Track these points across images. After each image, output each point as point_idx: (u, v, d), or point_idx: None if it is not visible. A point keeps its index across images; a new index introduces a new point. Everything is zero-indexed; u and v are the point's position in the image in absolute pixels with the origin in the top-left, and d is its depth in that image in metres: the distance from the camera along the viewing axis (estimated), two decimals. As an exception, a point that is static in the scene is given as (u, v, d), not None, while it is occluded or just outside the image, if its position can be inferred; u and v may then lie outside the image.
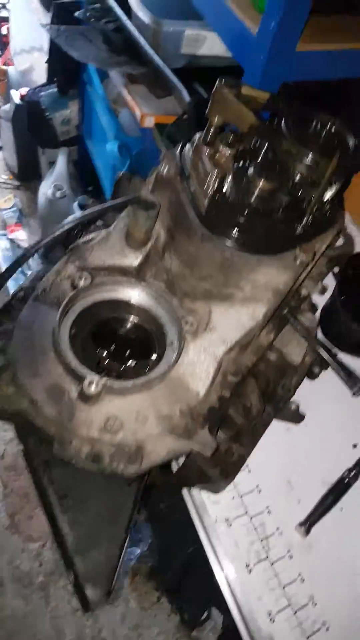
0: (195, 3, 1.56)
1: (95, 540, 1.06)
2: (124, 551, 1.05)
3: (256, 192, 0.91)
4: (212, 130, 0.97)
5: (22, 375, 0.96)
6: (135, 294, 1.09)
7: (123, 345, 1.15)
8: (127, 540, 1.05)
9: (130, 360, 1.12)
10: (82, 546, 1.05)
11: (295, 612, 1.11)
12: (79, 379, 0.95)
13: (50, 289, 1.06)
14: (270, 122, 0.97)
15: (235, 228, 0.92)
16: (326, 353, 1.34)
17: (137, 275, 1.08)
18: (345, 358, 1.43)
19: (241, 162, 0.96)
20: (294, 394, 1.28)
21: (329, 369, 1.31)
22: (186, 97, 1.70)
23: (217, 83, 0.95)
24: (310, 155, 0.91)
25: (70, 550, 1.05)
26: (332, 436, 1.39)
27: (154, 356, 1.08)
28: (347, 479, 1.29)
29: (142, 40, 2.03)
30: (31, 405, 0.94)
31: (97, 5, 2.63)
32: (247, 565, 1.15)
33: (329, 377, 1.38)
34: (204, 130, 1.00)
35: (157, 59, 1.91)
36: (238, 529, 1.20)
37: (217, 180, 0.94)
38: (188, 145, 1.04)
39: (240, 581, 1.13)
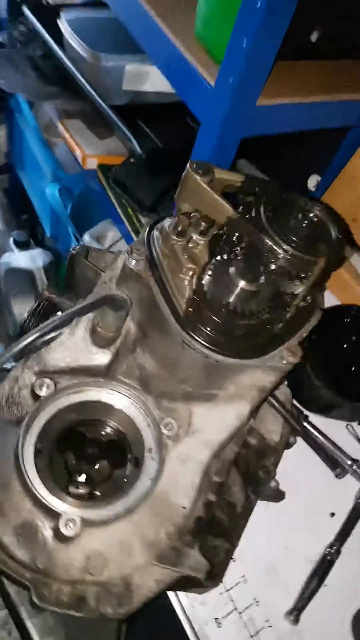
0: (142, 45, 1.46)
1: None
2: None
3: (237, 292, 0.83)
4: (182, 220, 0.89)
5: (-17, 514, 0.83)
6: (105, 395, 0.99)
7: (94, 454, 1.04)
8: None
9: (103, 472, 1.02)
10: None
11: None
12: (53, 514, 0.84)
13: (7, 402, 0.93)
14: (246, 209, 0.90)
15: (219, 335, 0.84)
16: (304, 433, 1.31)
17: (106, 374, 0.98)
18: (315, 418, 1.40)
19: (218, 256, 0.88)
20: (275, 474, 1.22)
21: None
22: (136, 147, 1.59)
23: (187, 168, 0.87)
24: (292, 251, 0.84)
25: None
26: (310, 506, 1.35)
27: (128, 464, 0.99)
28: (329, 556, 1.25)
29: (78, 75, 1.90)
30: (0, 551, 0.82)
31: (22, 28, 2.45)
32: (242, 671, 1.08)
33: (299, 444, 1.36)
34: (174, 218, 0.91)
35: (96, 96, 1.79)
36: (228, 627, 1.13)
37: (195, 279, 0.85)
38: (155, 232, 0.95)
39: None
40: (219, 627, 1.13)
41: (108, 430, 1.03)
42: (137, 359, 0.98)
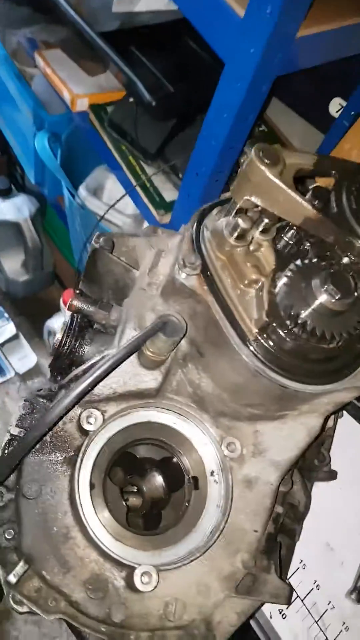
0: None
1: None
2: None
3: (322, 311, 0.69)
4: (243, 220, 0.73)
5: (49, 572, 0.76)
6: (154, 414, 0.89)
7: (146, 470, 0.96)
8: None
9: (157, 488, 0.95)
10: None
11: None
12: (124, 565, 0.77)
13: (51, 439, 0.82)
14: (320, 197, 0.74)
15: (298, 361, 0.72)
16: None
17: (156, 395, 0.87)
18: None
19: (291, 263, 0.73)
20: (330, 459, 1.17)
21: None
22: (145, 95, 1.34)
23: (251, 157, 0.69)
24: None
25: None
26: (357, 481, 1.32)
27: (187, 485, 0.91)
28: (386, 528, 1.23)
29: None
30: (71, 607, 0.75)
31: None
32: (311, 657, 1.09)
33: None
34: (231, 218, 0.75)
35: (81, 21, 1.49)
36: (293, 616, 1.13)
37: (266, 294, 0.72)
38: (207, 233, 0.79)
39: None
40: (284, 618, 1.12)
41: (161, 450, 0.94)
42: (188, 375, 0.87)
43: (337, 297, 0.67)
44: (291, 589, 0.89)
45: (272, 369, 0.72)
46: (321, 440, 1.14)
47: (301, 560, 1.20)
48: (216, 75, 1.12)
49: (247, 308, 0.74)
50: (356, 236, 0.69)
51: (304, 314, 0.69)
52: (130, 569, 0.76)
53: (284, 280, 0.71)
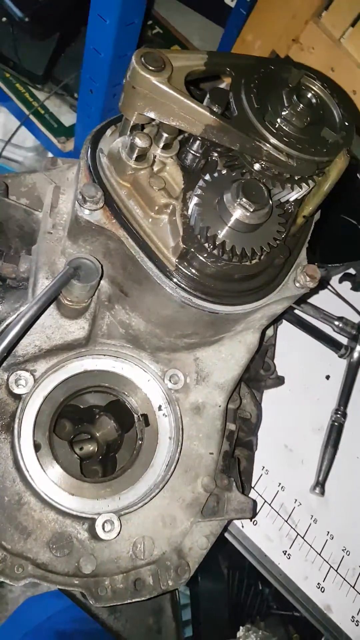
0: None
1: (147, 622, 0.99)
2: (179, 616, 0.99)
3: (239, 227, 0.65)
4: (140, 138, 0.66)
5: (9, 541, 0.74)
6: (89, 362, 0.85)
7: (94, 416, 0.94)
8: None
9: (110, 431, 0.94)
10: (136, 631, 0.98)
11: (337, 570, 1.18)
12: (84, 518, 0.76)
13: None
14: (217, 101, 0.67)
15: (223, 284, 0.69)
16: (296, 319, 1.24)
17: (86, 343, 0.82)
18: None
19: (199, 173, 0.68)
20: (275, 367, 1.19)
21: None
22: (15, 11, 1.16)
23: (132, 66, 0.60)
24: (299, 155, 0.65)
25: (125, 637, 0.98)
26: (306, 378, 1.37)
27: (137, 423, 0.90)
28: (336, 422, 1.29)
29: None
30: (39, 569, 0.75)
31: None
32: (285, 552, 1.17)
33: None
34: (126, 137, 0.68)
35: None
36: (264, 522, 1.19)
37: (179, 218, 0.67)
38: (103, 158, 0.71)
39: (285, 571, 1.15)
40: (255, 524, 1.18)
41: (105, 395, 0.91)
42: (117, 316, 0.83)
43: (252, 210, 0.62)
44: (254, 502, 0.92)
45: (199, 297, 0.69)
46: (264, 350, 1.15)
47: (263, 467, 1.25)
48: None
49: (162, 237, 0.69)
50: (262, 138, 0.64)
51: (221, 233, 0.65)
52: (91, 520, 0.76)
53: (195, 200, 0.66)
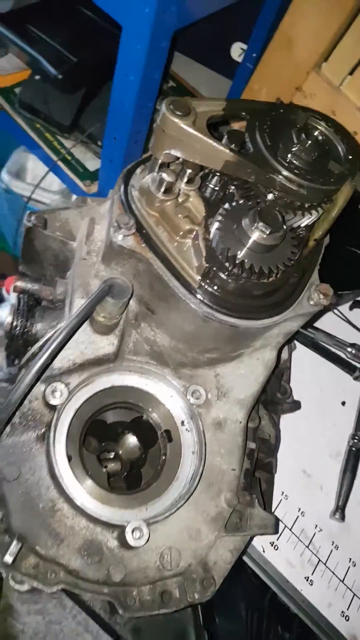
0: None
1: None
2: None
3: (255, 248, 0.74)
4: (168, 174, 0.76)
5: (43, 547, 0.79)
6: (117, 379, 0.92)
7: (119, 435, 1.00)
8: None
9: (133, 450, 0.99)
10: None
11: (361, 598, 1.19)
12: (114, 525, 0.81)
13: (20, 421, 0.85)
14: (235, 141, 0.77)
15: (243, 300, 0.77)
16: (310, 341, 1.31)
17: (115, 359, 0.90)
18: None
19: (219, 202, 0.78)
20: (291, 390, 1.24)
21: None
22: (50, 69, 1.32)
23: (162, 112, 0.71)
24: (308, 184, 0.74)
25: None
26: (323, 404, 1.42)
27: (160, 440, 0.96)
28: (354, 447, 1.33)
29: None
30: (70, 576, 0.79)
31: None
32: (307, 579, 1.18)
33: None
34: (156, 174, 0.78)
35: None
36: (285, 547, 1.21)
37: (202, 242, 0.76)
38: (134, 192, 0.82)
39: (308, 598, 1.16)
40: (276, 549, 1.20)
41: (130, 411, 0.98)
42: (143, 334, 0.91)
43: (267, 233, 0.71)
44: (276, 518, 0.96)
45: (220, 312, 0.77)
46: (279, 374, 1.21)
47: (282, 492, 1.28)
48: (116, 39, 1.13)
49: (187, 258, 0.78)
50: (275, 171, 0.73)
51: (240, 254, 0.73)
52: (120, 528, 0.80)
53: (216, 225, 0.75)
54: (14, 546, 0.77)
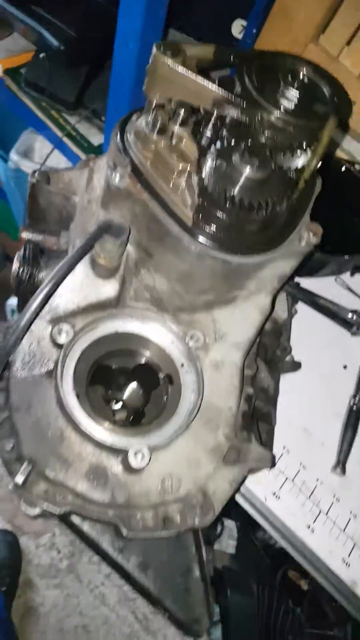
0: None
1: (175, 581, 1.06)
2: (207, 577, 1.06)
3: (246, 184, 0.80)
4: (159, 115, 0.82)
5: (52, 470, 0.85)
6: (120, 325, 0.98)
7: (124, 381, 1.05)
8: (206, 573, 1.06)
9: (137, 395, 1.05)
10: (165, 589, 1.05)
11: (362, 546, 1.23)
12: (118, 451, 0.87)
13: (30, 359, 0.91)
14: (227, 85, 0.83)
15: (235, 236, 0.83)
16: (310, 300, 1.36)
17: (117, 304, 0.96)
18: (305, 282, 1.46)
19: (211, 145, 0.83)
20: (290, 349, 1.29)
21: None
22: (51, 40, 1.40)
23: (153, 53, 0.78)
24: (294, 121, 0.80)
25: (156, 595, 1.05)
26: (324, 366, 1.46)
27: (162, 383, 1.02)
28: (355, 406, 1.37)
29: None
30: (78, 499, 0.85)
31: None
32: (309, 527, 1.23)
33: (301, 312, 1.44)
34: (149, 115, 0.84)
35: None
36: (286, 496, 1.26)
37: (195, 179, 0.81)
38: (129, 136, 0.88)
39: (309, 545, 1.21)
40: (278, 499, 1.25)
41: (133, 357, 1.04)
42: (143, 280, 0.97)
43: (256, 166, 0.77)
44: (273, 455, 1.01)
45: (212, 247, 0.82)
46: (278, 331, 1.26)
47: (284, 446, 1.33)
48: (114, 19, 1.20)
49: (181, 197, 0.84)
50: (263, 110, 0.79)
51: (231, 188, 0.79)
52: (124, 453, 0.86)
53: (208, 163, 0.81)
54: (25, 467, 0.83)
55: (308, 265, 1.49)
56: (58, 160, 1.79)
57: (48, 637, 2.31)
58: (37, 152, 1.89)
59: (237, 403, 0.99)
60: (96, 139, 1.62)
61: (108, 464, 0.87)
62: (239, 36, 1.77)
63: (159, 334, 1.00)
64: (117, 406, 1.07)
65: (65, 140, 1.61)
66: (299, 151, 0.83)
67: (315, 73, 0.84)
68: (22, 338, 0.82)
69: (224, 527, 2.47)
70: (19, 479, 0.82)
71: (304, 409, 1.40)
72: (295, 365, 1.37)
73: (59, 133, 1.61)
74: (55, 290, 0.80)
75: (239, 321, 0.98)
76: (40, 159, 1.85)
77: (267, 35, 1.57)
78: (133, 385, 1.08)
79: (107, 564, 1.10)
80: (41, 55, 1.55)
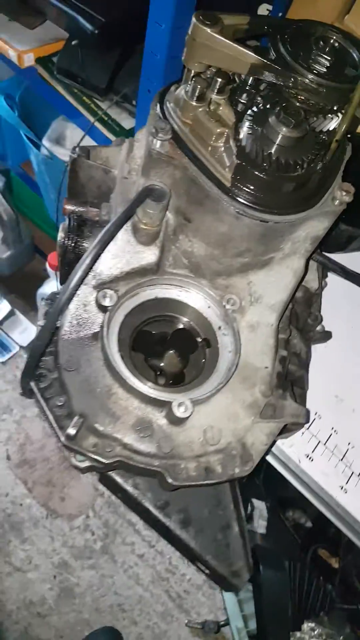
0: None
1: (216, 537, 1.10)
2: (245, 533, 1.10)
3: (282, 143, 0.83)
4: (198, 82, 0.86)
5: (101, 424, 0.90)
6: (160, 292, 1.03)
7: (163, 348, 1.10)
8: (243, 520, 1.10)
9: (174, 361, 1.09)
10: (206, 545, 1.09)
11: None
12: (161, 404, 0.92)
13: (78, 322, 0.96)
14: (262, 52, 0.87)
15: (271, 195, 0.86)
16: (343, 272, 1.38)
17: (157, 270, 1.00)
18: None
19: (249, 109, 0.87)
20: (322, 318, 1.32)
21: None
22: (86, 25, 1.44)
23: (193, 23, 0.82)
24: (326, 83, 0.83)
25: (197, 552, 1.09)
26: (356, 335, 1.48)
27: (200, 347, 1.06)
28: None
29: None
30: (125, 450, 0.90)
31: None
32: (342, 487, 1.26)
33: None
34: (188, 83, 0.88)
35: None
36: (319, 459, 1.29)
37: (232, 142, 0.85)
38: (169, 105, 0.92)
39: (343, 504, 1.24)
40: (312, 461, 1.29)
41: (172, 322, 1.08)
42: (181, 247, 1.01)
43: (292, 125, 0.80)
44: (307, 410, 1.04)
45: (251, 207, 0.86)
46: (309, 300, 1.29)
47: (316, 412, 1.36)
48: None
49: (219, 160, 0.88)
50: (297, 73, 0.83)
51: (268, 148, 0.83)
52: (168, 406, 0.91)
53: (245, 125, 0.85)
54: (76, 420, 0.88)
55: (337, 241, 1.51)
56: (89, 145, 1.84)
57: (84, 616, 2.42)
58: (68, 139, 1.95)
59: (272, 363, 1.03)
60: (127, 122, 1.66)
61: (153, 417, 0.92)
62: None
63: (196, 299, 1.04)
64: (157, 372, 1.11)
65: (97, 125, 1.65)
66: (332, 115, 0.86)
67: (345, 39, 0.87)
68: (69, 302, 0.87)
69: (255, 507, 2.52)
70: (72, 431, 0.87)
71: (335, 377, 1.42)
72: (326, 335, 1.40)
73: (91, 118, 1.66)
74: (100, 254, 0.85)
75: (274, 283, 1.01)
76: (71, 146, 1.90)
77: (292, 16, 1.59)
78: (170, 353, 1.12)
79: (148, 524, 1.14)
80: (74, 42, 1.60)
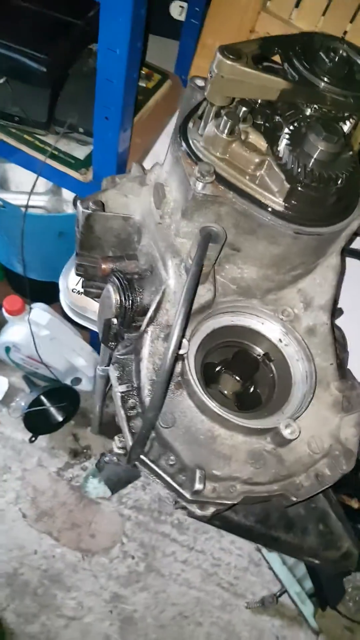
0: None
1: (319, 529, 1.14)
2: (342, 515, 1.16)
3: (325, 158, 0.85)
4: (230, 116, 0.86)
5: (217, 469, 0.91)
6: (213, 323, 1.02)
7: (227, 370, 1.10)
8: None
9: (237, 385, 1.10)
10: (314, 540, 1.14)
11: None
12: (266, 432, 0.93)
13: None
14: (275, 71, 0.87)
15: (324, 209, 0.89)
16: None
17: (212, 304, 1.00)
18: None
19: (274, 132, 0.88)
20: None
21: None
22: (35, 66, 1.33)
23: (218, 58, 0.80)
24: (353, 93, 0.86)
25: (309, 549, 1.13)
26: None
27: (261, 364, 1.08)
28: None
29: None
30: (246, 485, 0.92)
31: None
32: None
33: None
34: (219, 120, 0.87)
35: None
36: None
37: (276, 166, 0.86)
38: (199, 144, 0.90)
39: None
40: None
41: (231, 347, 1.08)
42: (228, 275, 1.02)
43: (334, 141, 0.82)
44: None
45: (308, 224, 0.88)
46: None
47: None
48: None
49: (266, 187, 0.88)
50: (322, 89, 0.85)
51: (313, 165, 0.84)
52: (270, 432, 0.92)
53: (285, 148, 0.85)
54: (199, 474, 0.87)
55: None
56: (37, 184, 1.73)
57: (152, 637, 2.40)
58: (12, 182, 1.82)
59: (335, 358, 1.07)
60: (79, 152, 1.58)
61: (261, 446, 0.94)
62: (181, 17, 1.77)
63: (250, 320, 1.05)
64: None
65: (49, 161, 1.56)
66: (351, 120, 0.89)
67: (350, 47, 0.90)
68: (173, 367, 0.85)
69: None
70: (199, 486, 0.86)
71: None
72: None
73: (40, 157, 1.56)
74: (190, 311, 0.83)
75: (320, 285, 1.05)
76: (16, 188, 1.79)
77: (215, 11, 1.59)
78: (225, 375, 1.12)
79: (249, 539, 1.16)
80: (1, 80, 1.49)
